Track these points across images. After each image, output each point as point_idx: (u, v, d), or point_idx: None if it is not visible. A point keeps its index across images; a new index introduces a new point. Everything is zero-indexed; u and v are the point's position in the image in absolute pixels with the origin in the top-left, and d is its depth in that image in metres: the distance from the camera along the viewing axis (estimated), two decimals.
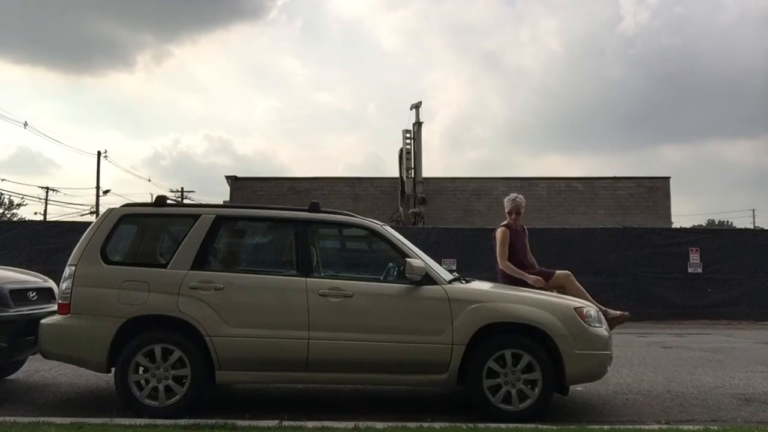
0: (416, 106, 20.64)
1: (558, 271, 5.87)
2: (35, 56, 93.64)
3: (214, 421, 4.27)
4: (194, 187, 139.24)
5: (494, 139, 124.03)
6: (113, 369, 4.72)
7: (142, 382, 4.65)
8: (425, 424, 4.36)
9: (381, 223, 5.37)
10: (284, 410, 4.75)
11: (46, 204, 42.06)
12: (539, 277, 5.72)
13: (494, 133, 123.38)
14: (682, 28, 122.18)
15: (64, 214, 52.18)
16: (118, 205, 5.29)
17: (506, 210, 6.19)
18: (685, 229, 17.97)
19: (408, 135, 20.59)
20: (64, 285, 4.82)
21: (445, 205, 21.15)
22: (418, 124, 20.59)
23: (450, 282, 4.96)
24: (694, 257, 13.75)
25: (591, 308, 4.99)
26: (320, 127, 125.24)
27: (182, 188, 45.32)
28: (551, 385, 4.67)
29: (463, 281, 5.15)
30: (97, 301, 4.72)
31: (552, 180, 21.64)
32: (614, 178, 21.59)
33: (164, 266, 4.87)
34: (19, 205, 47.84)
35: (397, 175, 21.03)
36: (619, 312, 5.63)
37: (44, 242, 14.12)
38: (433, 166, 70.29)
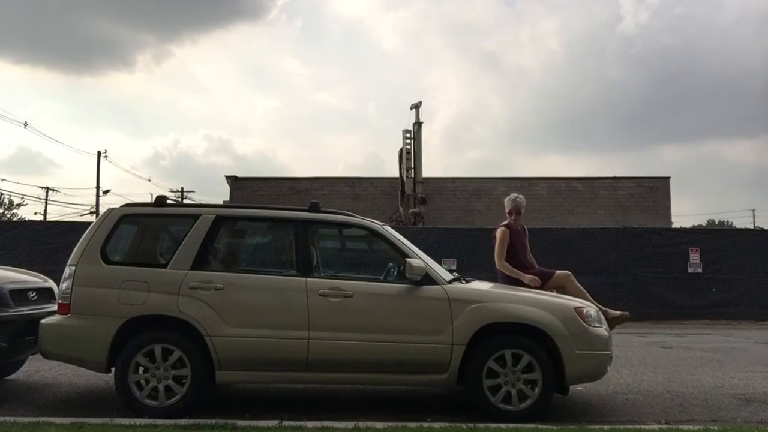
0: (416, 106, 20.65)
1: (558, 271, 5.87)
2: (35, 56, 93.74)
3: (214, 421, 4.27)
4: (194, 187, 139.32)
5: (494, 139, 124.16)
6: (113, 369, 4.72)
7: (142, 382, 4.65)
8: (425, 424, 4.36)
9: (381, 223, 5.37)
10: (284, 410, 4.75)
11: (46, 204, 42.11)
12: (535, 277, 5.72)
13: (494, 133, 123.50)
14: (682, 28, 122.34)
15: (64, 214, 52.23)
16: (118, 205, 5.30)
17: (506, 210, 6.19)
18: (685, 229, 17.97)
19: (408, 135, 20.59)
20: (64, 285, 4.82)
21: (445, 205, 21.15)
22: (418, 124, 20.59)
23: (450, 282, 4.96)
24: (694, 257, 13.75)
25: (591, 308, 5.00)
26: (320, 127, 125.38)
27: (182, 188, 45.38)
28: (551, 385, 4.67)
29: (463, 281, 5.15)
30: (97, 301, 4.72)
31: (552, 180, 21.64)
32: (614, 178, 21.59)
33: (164, 266, 4.87)
34: (19, 205, 47.92)
35: (397, 175, 21.03)
36: (619, 312, 5.63)
37: (44, 242, 14.12)
38: (433, 166, 70.37)
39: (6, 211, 47.84)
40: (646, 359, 7.84)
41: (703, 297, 13.56)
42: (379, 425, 4.30)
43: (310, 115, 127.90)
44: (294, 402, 5.41)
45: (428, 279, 4.81)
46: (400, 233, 5.34)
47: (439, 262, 5.91)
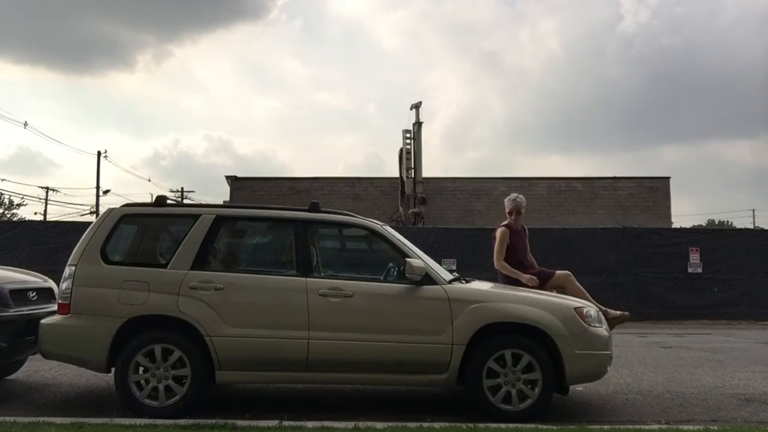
0: (416, 106, 20.65)
1: (558, 272, 5.87)
2: (35, 56, 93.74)
3: (214, 421, 4.27)
4: (194, 187, 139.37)
5: (494, 139, 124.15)
6: (113, 369, 4.72)
7: (142, 382, 4.65)
8: (425, 424, 4.36)
9: (381, 223, 5.37)
10: (284, 410, 4.75)
11: (46, 204, 42.12)
12: (533, 276, 5.72)
13: (494, 133, 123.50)
14: (682, 28, 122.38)
15: (64, 214, 52.19)
16: (118, 205, 5.30)
17: (507, 210, 6.19)
18: (685, 229, 17.98)
19: (408, 135, 20.60)
20: (64, 285, 4.82)
21: (445, 205, 21.15)
22: (418, 124, 20.60)
23: (450, 282, 4.96)
24: (694, 257, 13.76)
25: (591, 308, 5.00)
26: (320, 127, 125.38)
27: (182, 188, 45.38)
28: (551, 385, 4.67)
29: (463, 281, 5.15)
30: (97, 301, 4.72)
31: (552, 180, 21.64)
32: (614, 178, 21.60)
33: (164, 266, 4.87)
34: (19, 205, 47.93)
35: (397, 175, 21.03)
36: (619, 312, 5.63)
37: (44, 242, 14.13)
38: (433, 166, 70.38)
39: (6, 211, 47.86)
40: (646, 359, 7.85)
41: (703, 297, 13.56)
42: (379, 425, 4.30)
43: (310, 115, 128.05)
44: (294, 402, 5.41)
45: (428, 279, 4.81)
46: (400, 233, 5.34)
47: (439, 262, 5.91)
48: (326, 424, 4.30)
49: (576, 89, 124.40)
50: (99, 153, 36.82)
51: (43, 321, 4.85)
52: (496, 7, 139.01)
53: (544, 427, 4.41)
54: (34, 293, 5.52)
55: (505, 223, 6.15)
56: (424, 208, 19.95)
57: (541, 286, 5.69)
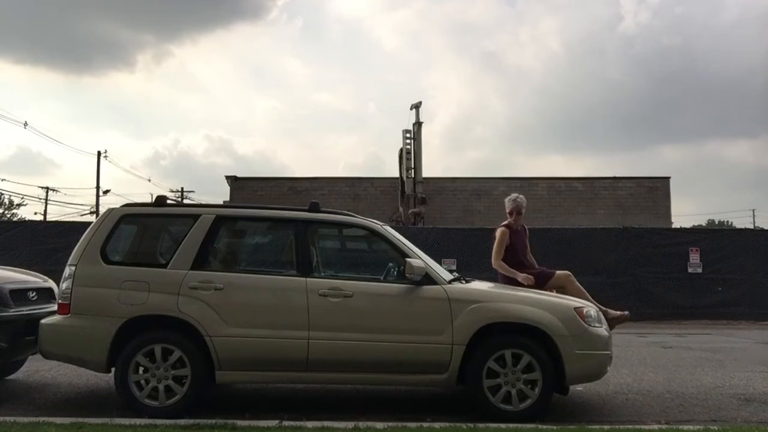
0: (416, 106, 20.66)
1: (558, 272, 5.87)
2: (35, 56, 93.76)
3: (214, 421, 4.27)
4: (194, 187, 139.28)
5: (494, 139, 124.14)
6: (113, 369, 4.72)
7: (142, 382, 4.65)
8: (425, 424, 4.36)
9: (381, 223, 5.37)
10: (284, 410, 4.75)
11: (46, 204, 42.12)
12: (528, 275, 5.72)
13: (494, 133, 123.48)
14: (682, 28, 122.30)
15: (64, 214, 52.18)
16: (118, 205, 5.30)
17: (507, 210, 6.20)
18: (685, 229, 17.98)
19: (408, 135, 20.61)
20: (64, 285, 4.82)
21: (445, 205, 21.16)
22: (418, 124, 20.60)
23: (450, 282, 4.96)
24: (694, 257, 13.76)
25: (591, 308, 5.00)
26: (320, 127, 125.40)
27: (182, 188, 45.39)
28: (551, 385, 4.66)
29: (463, 281, 5.15)
30: (97, 301, 4.72)
31: (552, 180, 21.65)
32: (614, 178, 21.61)
33: (164, 266, 4.87)
34: (19, 205, 47.93)
35: (397, 175, 21.04)
36: (619, 312, 5.63)
37: (44, 242, 14.13)
38: (433, 166, 70.46)
39: (6, 211, 47.86)
40: (646, 359, 7.85)
41: (703, 297, 13.56)
42: (379, 425, 4.30)
43: (310, 115, 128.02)
44: (294, 402, 5.41)
45: (428, 279, 4.81)
46: (400, 233, 5.34)
47: (439, 262, 5.91)
48: (326, 424, 4.30)
49: (576, 89, 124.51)
50: (99, 153, 36.87)
51: (43, 321, 4.85)
52: (497, 7, 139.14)
53: (544, 427, 4.41)
54: (34, 293, 5.53)
55: (506, 223, 6.16)
56: (424, 208, 19.95)
57: (541, 286, 5.69)
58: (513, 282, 5.75)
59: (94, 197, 36.87)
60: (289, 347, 4.67)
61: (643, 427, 4.55)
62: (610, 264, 13.45)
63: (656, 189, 21.14)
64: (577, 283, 5.78)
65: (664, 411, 5.12)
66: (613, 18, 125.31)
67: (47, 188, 42.24)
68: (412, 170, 20.15)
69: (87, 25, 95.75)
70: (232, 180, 21.77)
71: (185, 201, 33.45)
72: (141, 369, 4.67)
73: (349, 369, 4.74)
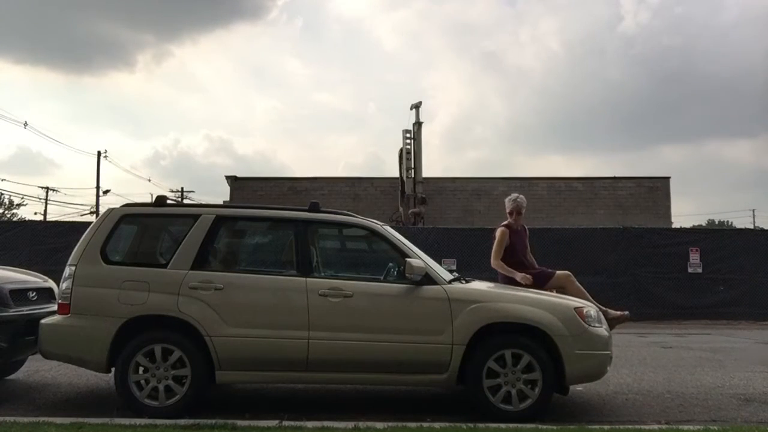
0: (416, 106, 20.66)
1: (558, 272, 5.88)
2: (35, 56, 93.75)
3: (214, 421, 4.27)
4: (194, 187, 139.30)
5: (494, 139, 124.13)
6: (113, 369, 4.72)
7: (142, 382, 4.65)
8: (425, 424, 4.36)
9: (381, 223, 5.37)
10: (284, 410, 4.75)
11: (46, 204, 42.12)
12: (526, 275, 5.72)
13: (494, 133, 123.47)
14: (682, 28, 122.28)
15: (64, 214, 52.18)
16: (118, 205, 5.30)
17: (507, 210, 6.20)
18: (685, 229, 17.97)
19: (408, 135, 20.61)
20: (64, 285, 4.82)
21: (445, 205, 21.16)
22: (418, 124, 20.60)
23: (450, 282, 4.96)
24: (694, 257, 13.76)
25: (591, 308, 5.00)
26: (320, 127, 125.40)
27: (182, 188, 45.39)
28: (551, 385, 4.66)
29: (463, 281, 5.15)
30: (97, 301, 4.72)
31: (552, 180, 21.65)
32: (614, 178, 21.61)
33: (164, 266, 4.87)
34: (19, 205, 47.93)
35: (397, 175, 21.04)
36: (619, 312, 5.63)
37: (44, 242, 14.13)
38: (433, 166, 70.45)
39: (6, 211, 47.86)
40: (646, 359, 7.85)
41: (703, 297, 13.56)
42: (379, 425, 4.30)
43: (310, 115, 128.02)
44: (294, 402, 5.41)
45: (428, 279, 4.81)
46: (400, 233, 5.34)
47: (439, 262, 5.91)
48: (326, 424, 4.30)
49: (576, 89, 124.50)
50: (99, 153, 36.87)
51: (43, 321, 4.85)
52: (497, 7, 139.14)
53: (544, 427, 4.41)
54: (34, 293, 5.53)
55: (506, 223, 6.16)
56: (424, 208, 19.95)
57: (542, 286, 5.69)
58: (512, 282, 5.75)
59: (94, 197, 36.91)
60: (289, 347, 4.67)
61: (643, 427, 4.55)
62: (610, 264, 13.45)
63: (656, 189, 21.14)
64: (577, 283, 5.79)
65: (664, 411, 5.12)
66: (613, 18, 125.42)
67: (47, 188, 42.30)
68: (412, 170, 20.16)
69: (87, 25, 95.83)
70: (232, 180, 21.77)
71: (185, 201, 33.46)
72: (141, 369, 4.67)
73: (349, 369, 4.74)
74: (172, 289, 4.72)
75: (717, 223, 60.56)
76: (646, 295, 13.46)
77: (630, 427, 4.48)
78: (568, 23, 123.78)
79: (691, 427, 4.44)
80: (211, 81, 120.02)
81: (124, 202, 5.55)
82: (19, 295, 5.32)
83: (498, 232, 6.08)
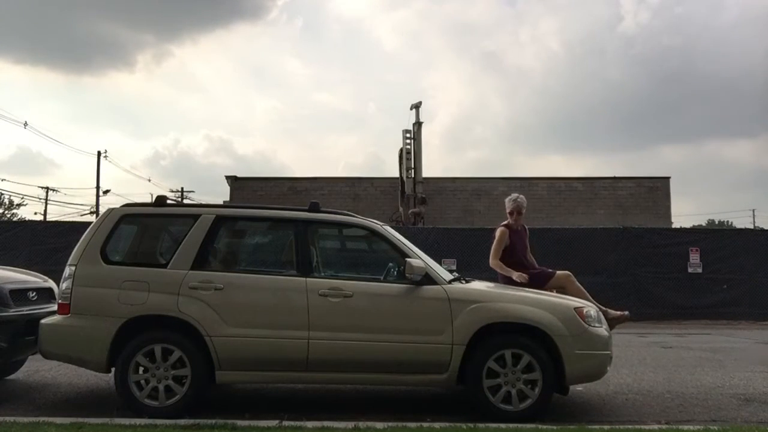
0: (416, 106, 20.66)
1: (558, 272, 5.88)
2: (35, 56, 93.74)
3: (214, 421, 4.27)
4: (194, 187, 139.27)
5: (494, 139, 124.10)
6: (113, 369, 4.72)
7: (142, 382, 4.65)
8: (425, 424, 4.36)
9: (381, 223, 5.37)
10: (284, 410, 4.75)
11: (46, 204, 42.12)
12: (522, 273, 5.72)
13: (494, 133, 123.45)
14: (682, 28, 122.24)
15: (64, 214, 52.16)
16: (118, 205, 5.30)
17: (507, 210, 6.20)
18: (685, 229, 17.98)
19: (408, 135, 20.61)
20: (64, 285, 4.82)
21: (445, 205, 21.16)
22: (418, 124, 20.60)
23: (450, 282, 4.96)
24: (694, 257, 13.76)
25: (591, 308, 5.00)
26: (320, 127, 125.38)
27: (182, 188, 45.40)
28: (551, 385, 4.67)
29: (463, 281, 5.15)
30: (97, 301, 4.72)
31: (552, 180, 21.65)
32: (614, 178, 21.61)
33: (164, 266, 4.87)
34: (19, 205, 47.92)
35: (397, 175, 21.04)
36: (619, 312, 5.63)
37: (44, 242, 14.14)
38: (433, 166, 70.45)
39: (6, 211, 47.86)
40: (646, 359, 7.85)
41: (703, 297, 13.56)
42: (379, 425, 4.30)
43: (310, 115, 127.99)
44: (294, 402, 5.41)
45: (428, 279, 4.81)
46: (400, 233, 5.34)
47: (439, 262, 5.91)
48: (326, 424, 4.30)
49: (576, 89, 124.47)
50: (99, 153, 36.87)
51: (43, 321, 4.85)
52: (497, 7, 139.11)
53: (544, 427, 4.41)
54: (34, 293, 5.53)
55: (505, 222, 6.16)
56: (424, 208, 19.95)
57: (542, 286, 5.69)
58: (512, 282, 5.75)
59: (94, 197, 36.92)
60: (289, 347, 4.67)
61: (643, 427, 4.56)
62: (610, 264, 13.46)
63: (656, 189, 21.14)
64: (577, 283, 5.79)
65: (664, 411, 5.12)
66: (613, 18, 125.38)
67: (47, 188, 42.30)
68: (412, 170, 20.16)
69: (87, 25, 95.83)
70: (232, 180, 21.77)
71: (185, 201, 33.46)
72: (141, 369, 4.67)
73: (349, 369, 4.74)
74: (172, 289, 4.72)
75: (717, 223, 60.56)
76: (646, 295, 13.46)
77: (630, 427, 4.48)
78: (568, 23, 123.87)
79: (691, 427, 4.44)
80: (211, 81, 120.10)
81: (124, 202, 5.55)
82: (19, 295, 5.32)
83: (498, 232, 6.08)
